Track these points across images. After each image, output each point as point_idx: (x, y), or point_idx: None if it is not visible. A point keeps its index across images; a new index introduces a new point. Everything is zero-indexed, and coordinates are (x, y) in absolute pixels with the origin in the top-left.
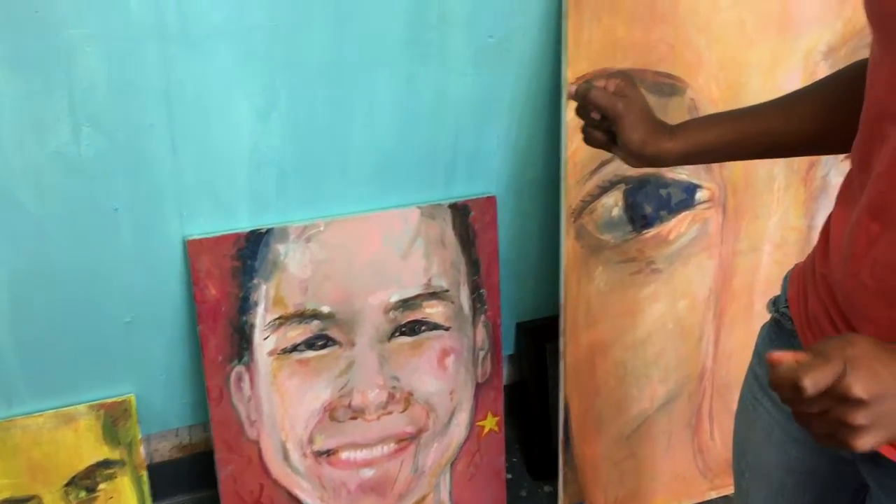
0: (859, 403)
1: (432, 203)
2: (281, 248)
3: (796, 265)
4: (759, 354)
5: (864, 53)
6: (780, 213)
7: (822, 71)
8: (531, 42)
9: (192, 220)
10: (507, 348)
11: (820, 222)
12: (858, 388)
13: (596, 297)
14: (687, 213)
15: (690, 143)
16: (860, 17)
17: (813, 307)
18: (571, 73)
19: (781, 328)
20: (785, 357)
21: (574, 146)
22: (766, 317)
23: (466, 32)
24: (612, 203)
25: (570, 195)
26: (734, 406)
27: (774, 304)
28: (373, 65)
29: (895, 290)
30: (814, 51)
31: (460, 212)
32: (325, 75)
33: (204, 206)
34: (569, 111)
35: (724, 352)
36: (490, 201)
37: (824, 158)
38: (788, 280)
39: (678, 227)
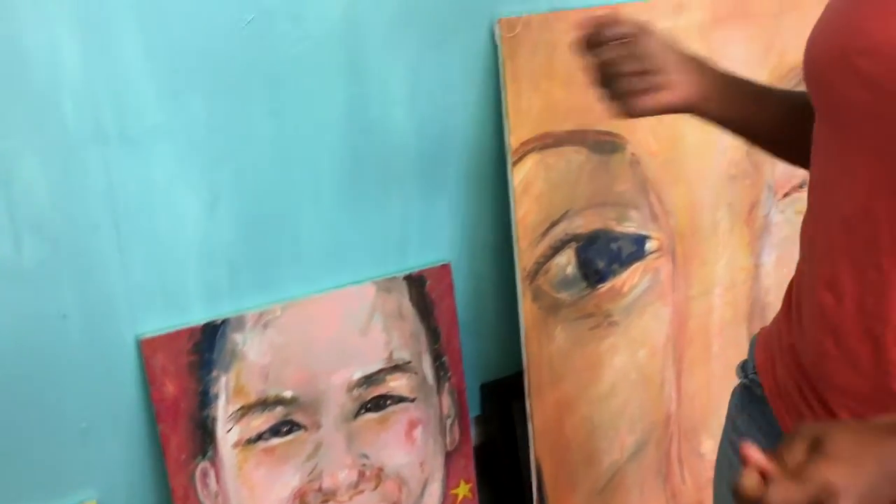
0: None
1: (387, 277)
2: (238, 337)
3: (762, 330)
4: (732, 420)
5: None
6: (727, 255)
7: None
8: (472, 113)
9: (144, 319)
10: (474, 410)
11: (766, 260)
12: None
13: (558, 356)
14: (638, 264)
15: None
16: (785, 64)
17: (782, 377)
18: (514, 140)
19: (752, 394)
20: (757, 458)
21: (523, 210)
22: (723, 356)
23: (408, 107)
24: (566, 262)
25: (524, 258)
26: (701, 448)
27: (743, 369)
28: (316, 147)
29: (859, 358)
30: None
31: (416, 282)
32: (269, 162)
33: (155, 304)
34: (515, 176)
35: (687, 395)
36: (445, 269)
37: (762, 199)
38: (755, 346)
39: (631, 278)
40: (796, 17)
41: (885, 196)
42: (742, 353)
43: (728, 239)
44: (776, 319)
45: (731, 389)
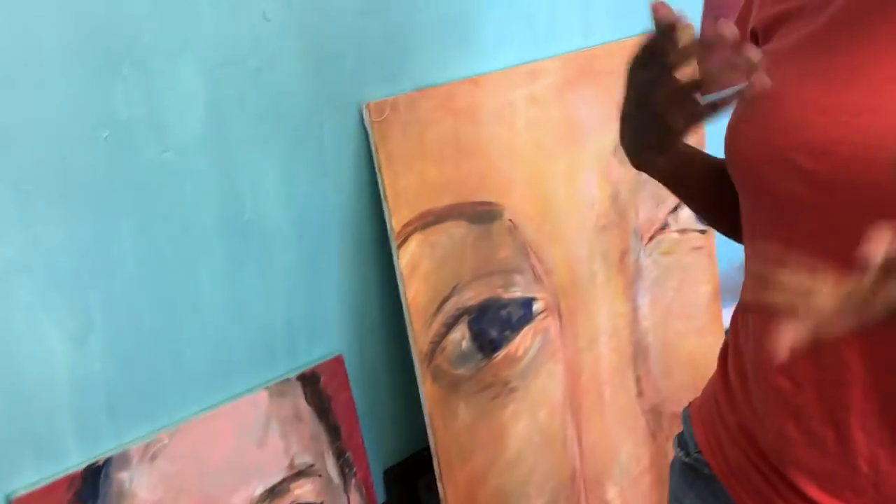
0: None
1: (280, 380)
2: (124, 475)
3: (694, 402)
4: (678, 499)
5: None
6: (606, 304)
7: (615, 168)
8: (351, 200)
9: (15, 475)
10: (380, 496)
11: (641, 304)
12: None
13: (464, 433)
14: (528, 326)
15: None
16: None
17: (735, 458)
18: (396, 223)
19: (698, 473)
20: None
21: (413, 291)
22: (615, 402)
23: (284, 202)
24: (460, 337)
25: (419, 340)
26: (607, 496)
27: (681, 445)
28: (191, 259)
29: (824, 441)
30: (604, 152)
31: (310, 381)
32: (141, 281)
33: (26, 456)
34: (402, 258)
35: (588, 447)
36: (338, 361)
37: (631, 245)
38: (690, 421)
39: (524, 342)
40: None
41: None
42: (630, 395)
43: (605, 288)
44: (711, 391)
45: (629, 431)
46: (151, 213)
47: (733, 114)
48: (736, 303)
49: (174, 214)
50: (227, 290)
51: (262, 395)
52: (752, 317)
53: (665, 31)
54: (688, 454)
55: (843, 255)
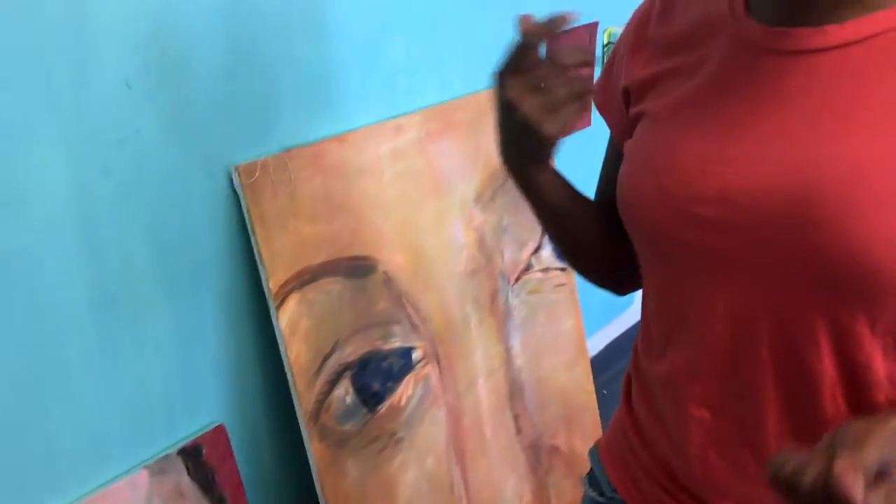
0: None
1: (160, 456)
2: None
3: (599, 441)
4: None
5: (503, 193)
6: (481, 347)
7: (477, 215)
8: (225, 265)
9: None
10: None
11: (513, 343)
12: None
13: (354, 490)
14: (409, 376)
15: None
16: (490, 165)
17: (654, 493)
18: (273, 284)
19: None
20: None
21: (294, 352)
22: (496, 441)
23: (153, 273)
24: (344, 393)
25: (303, 400)
26: None
27: (593, 485)
28: (57, 339)
29: (745, 465)
30: (467, 200)
31: (192, 455)
32: (4, 367)
33: None
34: (281, 320)
35: (474, 488)
36: (219, 431)
37: (499, 287)
38: (600, 458)
39: (406, 391)
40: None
41: (750, 320)
42: (510, 433)
43: (479, 331)
44: (620, 428)
45: (511, 468)
46: (13, 296)
47: (626, 168)
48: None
49: (37, 294)
50: (98, 367)
51: (142, 476)
52: (670, 356)
53: (530, 41)
54: (602, 493)
55: (744, 300)
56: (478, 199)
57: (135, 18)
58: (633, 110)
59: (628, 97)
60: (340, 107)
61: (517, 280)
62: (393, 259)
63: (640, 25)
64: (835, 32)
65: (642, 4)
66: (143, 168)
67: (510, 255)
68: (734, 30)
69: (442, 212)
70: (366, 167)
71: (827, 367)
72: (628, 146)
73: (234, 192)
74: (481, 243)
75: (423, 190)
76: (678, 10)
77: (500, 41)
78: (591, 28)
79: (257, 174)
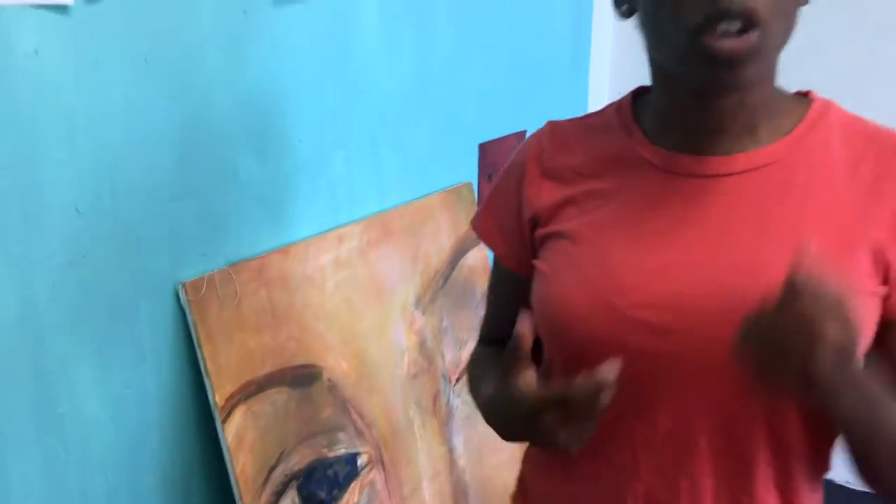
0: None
1: None
2: None
3: None
4: None
5: (442, 295)
6: (425, 449)
7: (418, 318)
8: (169, 379)
9: None
10: None
11: (456, 443)
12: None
13: None
14: (355, 482)
15: None
16: (430, 268)
17: None
18: (220, 397)
19: None
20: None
21: (240, 465)
22: None
23: (99, 392)
24: (290, 503)
25: None
26: None
27: None
28: (2, 462)
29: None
30: (408, 304)
31: None
32: None
33: None
34: (227, 433)
35: None
36: None
37: (441, 388)
38: None
39: (351, 498)
40: (431, 226)
41: (693, 417)
42: None
43: (423, 433)
44: None
45: None
46: None
47: (554, 287)
48: None
49: None
50: (42, 491)
51: None
52: (601, 455)
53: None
54: None
55: (687, 399)
56: (418, 302)
57: (87, 151)
58: (543, 232)
59: (536, 223)
60: (284, 219)
61: (458, 380)
62: (337, 366)
63: (535, 158)
64: (740, 161)
65: (528, 143)
66: (91, 289)
67: (451, 356)
68: (643, 158)
69: (384, 317)
70: (309, 277)
71: (762, 456)
72: (546, 266)
73: (181, 308)
74: (423, 346)
75: (365, 296)
76: (571, 143)
77: (435, 151)
78: (520, 136)
79: (203, 290)
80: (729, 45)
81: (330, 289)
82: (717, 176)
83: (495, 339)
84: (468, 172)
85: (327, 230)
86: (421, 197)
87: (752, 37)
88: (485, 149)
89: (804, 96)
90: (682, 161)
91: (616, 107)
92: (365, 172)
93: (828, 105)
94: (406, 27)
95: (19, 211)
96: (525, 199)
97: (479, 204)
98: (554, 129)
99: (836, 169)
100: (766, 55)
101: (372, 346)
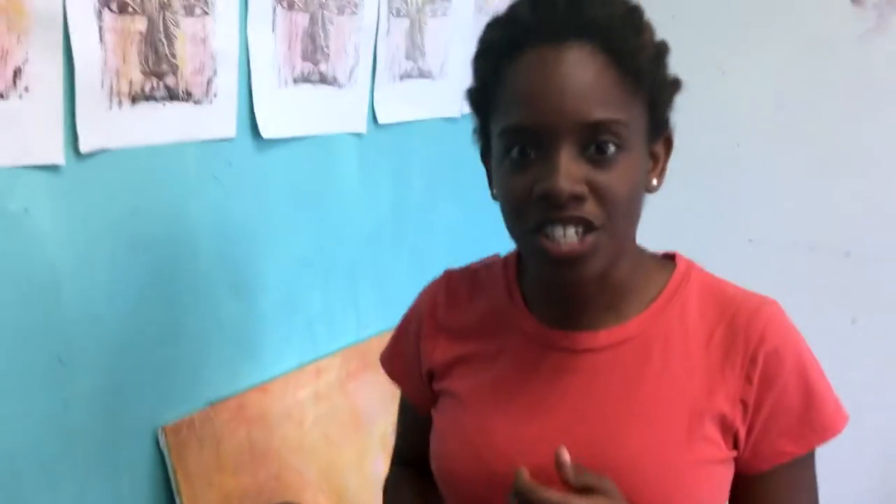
0: None
1: None
2: None
3: None
4: None
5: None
6: None
7: None
8: None
9: None
10: None
11: None
12: None
13: None
14: None
15: None
16: None
17: None
18: None
19: None
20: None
21: None
22: None
23: None
24: None
25: None
26: None
27: None
28: None
29: None
30: (386, 434)
31: None
32: None
33: None
34: None
35: None
36: None
37: None
38: None
39: None
40: None
41: None
42: None
43: None
44: None
45: None
46: None
47: (442, 447)
48: None
49: None
50: None
51: None
52: None
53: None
54: None
55: None
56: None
57: (72, 302)
58: (438, 386)
59: (432, 377)
60: (263, 357)
61: None
62: (316, 502)
63: (430, 312)
64: (603, 337)
65: (426, 292)
66: (71, 438)
67: None
68: (520, 326)
69: (363, 449)
70: (288, 413)
71: None
72: (439, 422)
73: (161, 452)
74: None
75: (344, 429)
76: (463, 300)
77: (412, 280)
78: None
79: (183, 433)
80: (565, 248)
81: (309, 423)
82: (584, 351)
83: (407, 461)
84: None
85: (306, 363)
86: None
87: (587, 240)
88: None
89: (671, 258)
90: (552, 335)
91: (503, 263)
92: (343, 306)
93: (689, 269)
94: (384, 167)
95: (1, 365)
96: (422, 351)
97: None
98: (449, 281)
99: (692, 339)
100: (609, 250)
101: (351, 478)
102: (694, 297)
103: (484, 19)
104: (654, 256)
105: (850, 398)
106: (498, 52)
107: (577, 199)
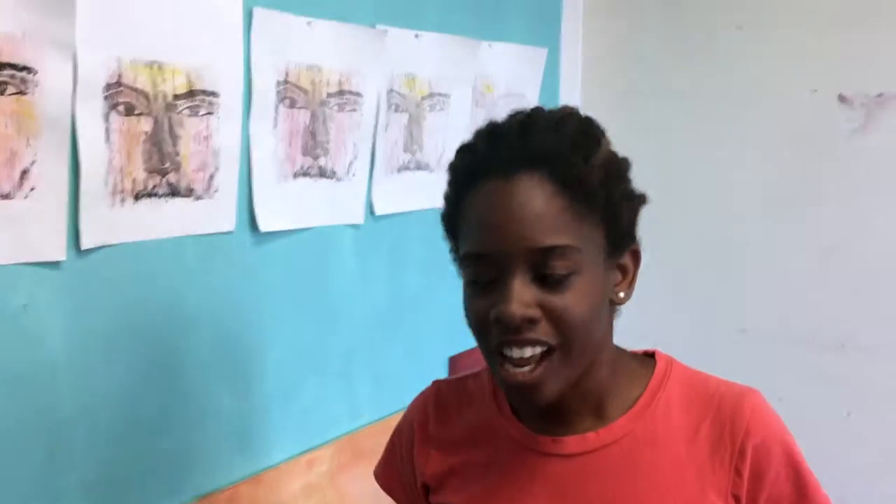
0: None
1: None
2: None
3: None
4: None
5: None
6: None
7: None
8: None
9: None
10: None
11: None
12: None
13: None
14: None
15: None
16: None
17: None
18: None
19: None
20: None
21: None
22: None
23: None
24: None
25: None
26: None
27: None
28: None
29: None
30: None
31: None
32: None
33: None
34: None
35: None
36: None
37: None
38: None
39: None
40: None
41: None
42: None
43: None
44: None
45: None
46: None
47: None
48: None
49: None
50: None
51: None
52: None
53: None
54: None
55: None
56: None
57: (67, 397)
58: (435, 499)
59: (427, 489)
60: (255, 448)
61: None
62: None
63: (421, 425)
64: (591, 440)
65: (416, 405)
66: None
67: None
68: (509, 434)
69: None
70: None
71: None
72: None
73: None
74: None
75: None
76: (452, 412)
77: (407, 368)
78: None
79: None
80: (519, 377)
81: None
82: (572, 455)
83: None
84: None
85: (298, 454)
86: (393, 413)
87: (538, 371)
88: (454, 361)
89: (650, 356)
90: (541, 441)
91: (490, 371)
92: (337, 395)
93: (669, 365)
94: (380, 256)
95: None
96: (416, 464)
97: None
98: (438, 393)
99: (679, 436)
100: (565, 373)
101: None
102: (676, 393)
103: (482, 113)
104: (634, 356)
105: (842, 491)
106: (460, 181)
107: (531, 321)
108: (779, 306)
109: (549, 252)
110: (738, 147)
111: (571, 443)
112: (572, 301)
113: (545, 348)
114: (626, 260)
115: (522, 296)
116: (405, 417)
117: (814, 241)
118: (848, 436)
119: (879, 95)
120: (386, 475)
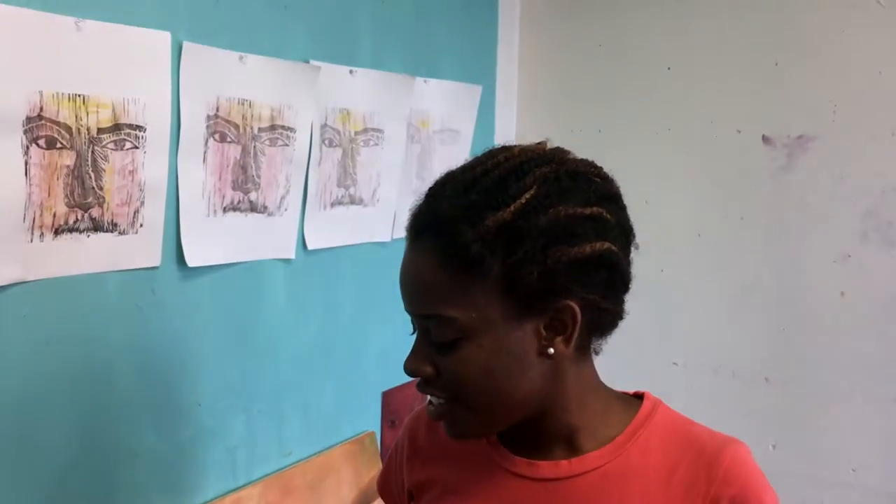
0: None
1: None
2: None
3: None
4: None
5: None
6: None
7: None
8: None
9: None
10: None
11: None
12: None
13: None
14: None
15: None
16: None
17: None
18: None
19: None
20: None
21: None
22: None
23: None
24: None
25: None
26: None
27: None
28: None
29: None
30: None
31: None
32: None
33: None
34: None
35: None
36: None
37: None
38: None
39: None
40: (333, 481)
41: None
42: None
43: None
44: None
45: None
46: None
47: None
48: None
49: None
50: None
51: None
52: None
53: None
54: None
55: None
56: None
57: None
58: None
59: (411, 496)
60: (179, 488)
61: None
62: None
63: (412, 438)
64: (563, 467)
65: (413, 415)
66: None
67: None
68: (488, 453)
69: None
70: None
71: None
72: None
73: None
74: None
75: None
76: (439, 427)
77: (339, 404)
78: None
79: None
80: (433, 415)
81: None
82: (545, 480)
83: None
84: (371, 421)
85: (225, 493)
86: (324, 450)
87: (448, 412)
88: (387, 397)
89: (639, 398)
90: (518, 463)
91: None
92: (266, 432)
93: (655, 407)
94: (313, 292)
95: None
96: (405, 472)
97: (381, 453)
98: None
99: (652, 477)
100: (475, 419)
101: None
102: (658, 433)
103: (417, 148)
104: (620, 396)
105: None
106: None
107: (427, 377)
108: (706, 340)
109: (428, 320)
110: (668, 185)
111: (545, 468)
112: (458, 365)
113: (444, 399)
114: (557, 315)
115: (418, 353)
116: (403, 427)
117: (738, 277)
118: (774, 466)
119: (800, 137)
120: (382, 482)
